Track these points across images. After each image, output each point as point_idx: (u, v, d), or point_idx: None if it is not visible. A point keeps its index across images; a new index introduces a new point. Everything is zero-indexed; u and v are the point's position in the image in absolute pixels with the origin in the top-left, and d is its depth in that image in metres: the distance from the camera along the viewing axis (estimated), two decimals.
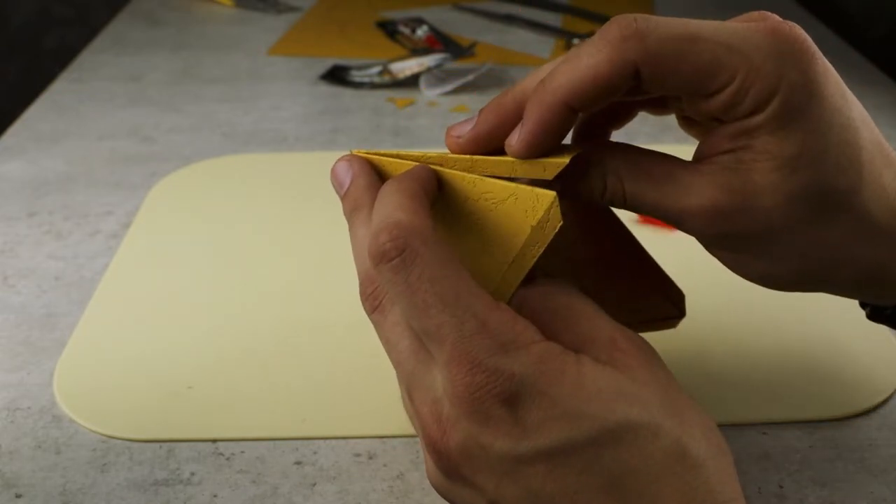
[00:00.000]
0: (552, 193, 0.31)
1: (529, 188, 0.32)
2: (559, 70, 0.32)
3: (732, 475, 0.29)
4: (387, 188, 0.32)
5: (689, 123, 0.37)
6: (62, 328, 0.49)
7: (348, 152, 0.36)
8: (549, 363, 0.29)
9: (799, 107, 0.31)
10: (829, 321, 0.47)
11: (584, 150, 0.34)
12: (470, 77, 0.81)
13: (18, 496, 0.38)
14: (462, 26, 1.00)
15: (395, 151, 0.35)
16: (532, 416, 0.28)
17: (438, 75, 0.82)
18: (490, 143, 0.34)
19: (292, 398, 0.43)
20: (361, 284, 0.33)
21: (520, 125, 0.33)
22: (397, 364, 0.32)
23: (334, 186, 0.36)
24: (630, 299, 0.39)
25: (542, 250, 0.32)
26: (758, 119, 0.31)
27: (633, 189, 0.33)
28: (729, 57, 0.30)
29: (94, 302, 0.51)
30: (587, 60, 0.31)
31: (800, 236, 0.33)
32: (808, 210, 0.32)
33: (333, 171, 0.36)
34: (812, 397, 0.43)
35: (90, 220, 0.60)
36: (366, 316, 0.46)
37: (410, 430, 0.40)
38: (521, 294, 0.33)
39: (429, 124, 0.75)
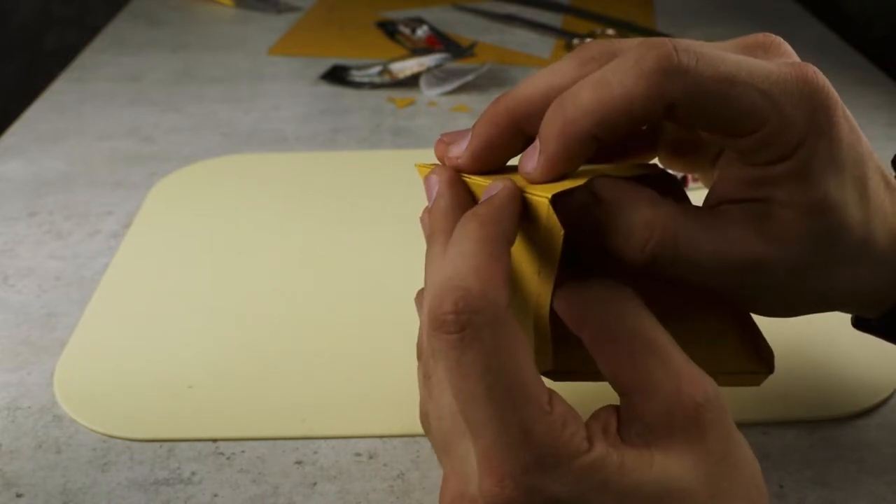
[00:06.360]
0: (545, 202, 0.30)
1: (530, 194, 0.30)
2: (584, 95, 0.29)
3: None
4: (466, 232, 0.29)
5: (673, 159, 0.37)
6: (62, 328, 0.49)
7: (425, 164, 0.33)
8: (591, 479, 0.26)
9: (822, 154, 0.30)
10: (829, 320, 0.47)
11: (607, 188, 0.32)
12: (470, 77, 0.81)
13: (19, 496, 0.38)
14: (462, 26, 1.00)
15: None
16: None
17: (438, 75, 0.82)
18: (489, 158, 0.32)
19: (292, 398, 0.43)
20: (424, 325, 0.31)
21: (536, 148, 0.31)
22: (437, 418, 0.30)
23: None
24: (717, 348, 0.36)
25: (556, 262, 0.30)
26: (782, 168, 0.30)
27: (686, 237, 0.31)
28: (763, 103, 0.29)
29: (94, 302, 0.51)
30: (620, 90, 0.29)
31: (813, 273, 0.32)
32: (829, 248, 0.32)
33: (425, 180, 0.33)
34: (812, 397, 0.43)
35: (90, 220, 0.60)
36: (366, 315, 0.46)
37: (411, 429, 0.40)
38: (590, 312, 0.30)
39: (429, 124, 0.75)
